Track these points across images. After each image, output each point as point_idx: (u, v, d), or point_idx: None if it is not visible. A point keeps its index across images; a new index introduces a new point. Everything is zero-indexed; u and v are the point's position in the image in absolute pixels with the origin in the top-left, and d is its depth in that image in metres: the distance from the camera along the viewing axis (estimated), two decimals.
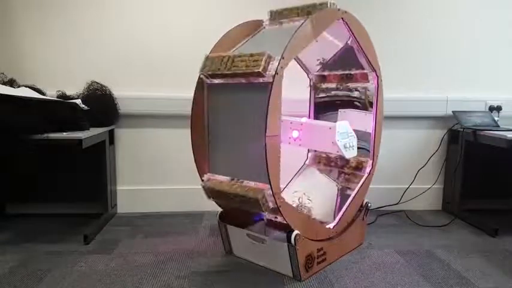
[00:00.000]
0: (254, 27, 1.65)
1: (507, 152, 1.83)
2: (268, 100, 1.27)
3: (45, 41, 2.06)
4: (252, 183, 1.40)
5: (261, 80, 1.33)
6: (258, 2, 2.06)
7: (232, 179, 1.47)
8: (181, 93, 2.04)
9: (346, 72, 1.83)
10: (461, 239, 1.88)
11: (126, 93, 2.08)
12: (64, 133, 1.70)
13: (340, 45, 1.78)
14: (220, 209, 1.64)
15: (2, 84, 1.88)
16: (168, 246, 1.75)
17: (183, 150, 1.87)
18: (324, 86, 1.96)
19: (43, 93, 1.95)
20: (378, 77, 1.73)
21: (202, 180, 1.56)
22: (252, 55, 1.34)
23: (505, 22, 2.24)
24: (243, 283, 1.45)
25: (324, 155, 1.95)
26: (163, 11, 2.09)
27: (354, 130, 1.61)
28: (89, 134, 1.75)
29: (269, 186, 1.32)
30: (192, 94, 1.53)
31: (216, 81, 1.51)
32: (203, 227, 1.99)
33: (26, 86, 1.91)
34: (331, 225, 1.61)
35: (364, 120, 1.78)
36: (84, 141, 1.67)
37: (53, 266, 1.55)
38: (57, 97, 1.94)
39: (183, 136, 1.79)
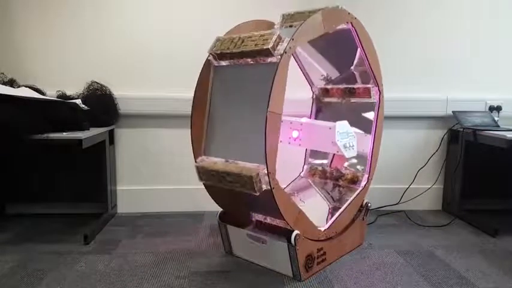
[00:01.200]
0: (266, 26, 1.63)
1: (507, 152, 1.83)
2: (274, 76, 1.26)
3: (45, 41, 2.06)
4: (247, 164, 1.37)
5: (268, 60, 1.34)
6: (260, 3, 2.06)
7: (227, 161, 1.45)
8: (181, 93, 2.04)
9: (350, 86, 1.83)
10: (461, 239, 1.88)
11: (126, 93, 2.09)
12: (64, 133, 1.70)
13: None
14: (220, 209, 1.64)
15: (2, 84, 1.88)
16: (168, 246, 1.75)
17: (183, 150, 1.87)
18: (326, 100, 1.95)
19: (43, 93, 1.95)
20: (380, 92, 1.73)
21: (197, 162, 1.53)
22: (262, 34, 1.36)
23: (505, 22, 2.24)
24: (243, 283, 1.45)
25: (320, 168, 1.94)
26: (163, 11, 2.09)
27: None
28: (89, 134, 1.75)
29: (264, 167, 1.29)
30: (192, 94, 1.53)
31: (224, 63, 1.51)
32: (203, 227, 1.99)
33: (26, 86, 1.91)
34: (321, 228, 1.57)
35: (363, 142, 1.77)
36: (84, 141, 1.67)
37: (53, 266, 1.55)
38: (57, 97, 1.94)
39: (183, 136, 1.79)
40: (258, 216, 1.61)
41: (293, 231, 1.41)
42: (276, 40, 1.32)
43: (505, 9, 2.23)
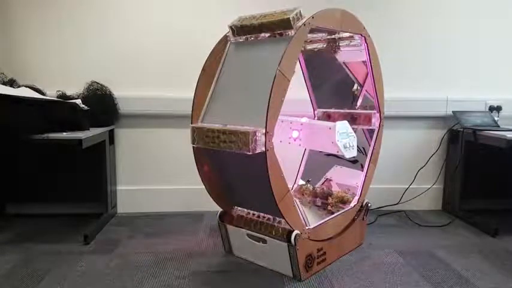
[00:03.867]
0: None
1: (507, 152, 1.83)
2: (290, 42, 1.28)
3: (45, 41, 2.06)
4: (246, 126, 1.32)
5: (287, 32, 1.36)
6: (260, 2, 2.06)
7: (225, 125, 1.40)
8: (181, 93, 2.04)
9: (352, 111, 1.85)
10: (461, 239, 1.88)
11: (126, 93, 2.09)
12: (64, 133, 1.70)
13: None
14: (220, 209, 1.64)
15: (2, 84, 1.88)
16: (168, 246, 1.75)
17: (183, 150, 1.87)
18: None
19: (43, 93, 1.95)
20: (381, 119, 1.74)
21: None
22: (283, 11, 1.40)
23: (505, 22, 2.24)
24: (243, 283, 1.45)
25: (310, 188, 1.93)
26: (163, 11, 2.09)
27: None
28: (89, 134, 1.75)
29: (263, 128, 1.25)
30: (192, 94, 1.53)
31: (241, 39, 1.52)
32: (203, 227, 1.99)
33: (26, 86, 1.91)
34: (308, 226, 1.52)
35: (356, 176, 1.80)
36: (84, 141, 1.67)
37: (53, 266, 1.55)
38: (57, 97, 1.94)
39: (183, 136, 1.79)
40: (239, 211, 1.61)
41: (293, 231, 1.41)
42: (296, 14, 1.35)
43: (505, 9, 2.23)
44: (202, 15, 2.10)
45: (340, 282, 1.46)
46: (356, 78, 1.87)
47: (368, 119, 1.78)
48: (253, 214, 1.58)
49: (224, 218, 1.64)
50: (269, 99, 1.25)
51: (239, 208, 1.63)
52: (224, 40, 1.56)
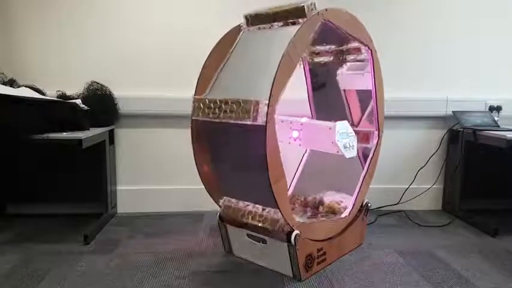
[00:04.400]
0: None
1: (507, 152, 1.83)
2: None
3: (45, 41, 2.06)
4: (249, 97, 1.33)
5: (300, 21, 1.38)
6: (257, 2, 2.06)
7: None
8: (181, 93, 2.04)
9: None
10: (461, 239, 1.88)
11: (126, 93, 2.08)
12: (64, 133, 1.70)
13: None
14: (220, 209, 1.64)
15: (2, 84, 1.88)
16: (168, 246, 1.75)
17: (183, 150, 1.87)
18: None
19: (43, 93, 1.95)
20: (379, 137, 1.74)
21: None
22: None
23: (505, 22, 2.24)
24: (243, 283, 1.45)
25: (302, 198, 1.92)
26: (163, 11, 2.09)
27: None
28: (89, 134, 1.75)
29: (267, 99, 1.25)
30: (192, 94, 1.53)
31: (253, 28, 1.53)
32: (203, 227, 1.99)
33: (26, 86, 1.91)
34: (298, 219, 1.51)
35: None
36: (84, 141, 1.67)
37: (53, 266, 1.55)
38: (57, 97, 1.94)
39: (183, 136, 1.79)
40: (227, 201, 1.59)
41: (293, 231, 1.41)
42: (311, 4, 1.37)
43: (505, 9, 2.23)
44: (203, 16, 2.10)
45: (340, 282, 1.46)
46: (350, 112, 1.89)
47: (366, 137, 1.78)
48: (242, 203, 1.53)
49: (224, 218, 1.64)
50: (275, 75, 1.25)
51: (227, 198, 1.58)
52: (237, 29, 1.57)
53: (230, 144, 1.48)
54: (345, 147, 1.59)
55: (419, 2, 2.19)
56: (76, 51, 2.08)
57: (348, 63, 1.82)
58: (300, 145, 1.78)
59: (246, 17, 1.55)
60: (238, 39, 1.57)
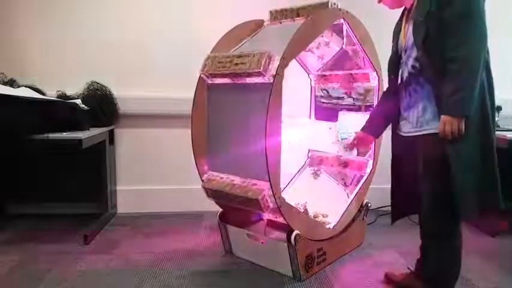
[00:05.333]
0: (255, 26, 1.65)
1: (507, 152, 1.83)
2: (269, 101, 1.27)
3: (45, 41, 2.06)
4: (251, 183, 1.40)
5: (261, 79, 1.34)
6: (258, 1, 2.06)
7: (233, 180, 1.46)
8: (181, 93, 2.03)
9: (349, 71, 1.82)
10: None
11: (126, 93, 2.08)
12: (64, 133, 1.70)
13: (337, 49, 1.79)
14: (220, 209, 1.64)
15: (2, 84, 1.88)
16: (168, 246, 1.75)
17: (183, 150, 1.87)
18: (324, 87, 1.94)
19: (43, 93, 1.95)
20: (379, 77, 1.72)
21: (203, 181, 1.55)
22: (253, 55, 1.35)
23: (505, 22, 2.24)
24: (243, 283, 1.45)
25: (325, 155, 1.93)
26: (163, 11, 2.09)
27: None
28: (89, 134, 1.75)
29: (269, 186, 1.32)
30: (192, 94, 1.53)
31: (217, 80, 1.51)
32: (203, 227, 1.99)
33: (26, 86, 1.91)
34: (331, 225, 1.59)
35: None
36: (84, 141, 1.67)
37: (53, 266, 1.55)
38: (57, 97, 1.94)
39: (183, 136, 1.79)
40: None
41: (293, 231, 1.41)
42: (266, 60, 1.31)
43: (505, 9, 2.23)
44: (203, 16, 2.10)
45: (340, 282, 1.46)
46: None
47: (366, 77, 1.76)
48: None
49: (224, 218, 1.64)
50: (267, 163, 1.29)
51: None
52: (201, 83, 1.56)
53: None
54: (345, 147, 1.59)
55: None
56: (76, 51, 2.08)
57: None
58: (300, 145, 1.78)
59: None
60: (206, 98, 1.58)
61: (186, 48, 2.09)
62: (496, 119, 2.19)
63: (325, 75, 1.93)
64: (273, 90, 1.28)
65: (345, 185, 1.79)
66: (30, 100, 1.74)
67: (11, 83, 1.95)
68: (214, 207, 1.63)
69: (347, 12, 1.53)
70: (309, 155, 1.97)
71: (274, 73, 1.29)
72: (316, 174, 1.89)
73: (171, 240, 1.83)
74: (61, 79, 2.06)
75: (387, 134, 1.88)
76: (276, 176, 1.34)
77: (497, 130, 1.98)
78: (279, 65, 1.29)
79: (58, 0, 2.04)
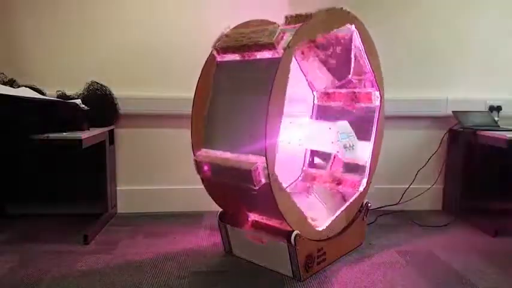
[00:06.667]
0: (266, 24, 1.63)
1: (507, 152, 1.83)
2: (275, 75, 1.28)
3: (45, 41, 2.06)
4: (246, 157, 1.36)
5: (271, 53, 1.36)
6: (259, 2, 2.06)
7: (227, 153, 1.43)
8: (181, 93, 2.04)
9: (352, 90, 1.80)
10: (461, 239, 1.88)
11: (126, 93, 2.09)
12: (64, 133, 1.70)
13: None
14: (220, 209, 1.64)
15: (2, 84, 1.88)
16: (168, 246, 1.75)
17: (183, 150, 1.87)
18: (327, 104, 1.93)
19: (43, 93, 1.95)
20: (381, 97, 1.71)
21: (195, 155, 1.52)
22: (267, 29, 1.38)
23: (505, 22, 2.24)
24: (243, 283, 1.45)
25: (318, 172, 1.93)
26: (163, 10, 2.09)
27: None
28: (89, 134, 1.75)
29: (264, 160, 1.29)
30: (192, 94, 1.53)
31: (227, 57, 1.52)
32: (203, 227, 1.99)
33: (26, 86, 1.91)
34: (319, 228, 1.54)
35: (363, 149, 1.76)
36: (84, 141, 1.67)
37: (53, 266, 1.55)
38: (57, 97, 1.94)
39: (183, 136, 1.79)
40: (255, 216, 1.61)
41: (293, 231, 1.41)
42: (279, 34, 1.34)
43: (505, 9, 2.23)
44: (203, 16, 2.10)
45: (340, 282, 1.46)
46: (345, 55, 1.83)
47: (368, 97, 1.74)
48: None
49: (224, 218, 1.64)
50: (266, 130, 1.26)
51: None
52: (211, 59, 1.56)
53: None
54: (345, 147, 1.60)
55: (420, 2, 2.19)
56: (76, 51, 2.08)
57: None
58: (299, 145, 1.78)
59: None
60: (213, 75, 1.57)
61: (186, 48, 2.09)
62: (496, 118, 2.20)
63: (328, 93, 1.93)
64: (281, 64, 1.29)
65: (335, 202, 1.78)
66: (30, 100, 1.74)
67: (11, 83, 1.95)
68: (214, 207, 1.63)
69: (358, 19, 1.54)
70: (302, 174, 1.95)
71: (286, 46, 1.31)
72: (307, 192, 1.88)
73: (171, 240, 1.83)
74: (61, 79, 2.06)
75: (387, 134, 1.89)
76: (273, 153, 1.31)
77: (497, 130, 1.99)
78: (291, 39, 1.32)
79: (58, 0, 2.04)
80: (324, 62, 1.79)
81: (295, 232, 1.41)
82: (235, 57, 1.50)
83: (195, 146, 1.55)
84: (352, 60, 1.69)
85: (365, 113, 1.75)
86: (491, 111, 2.24)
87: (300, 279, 1.46)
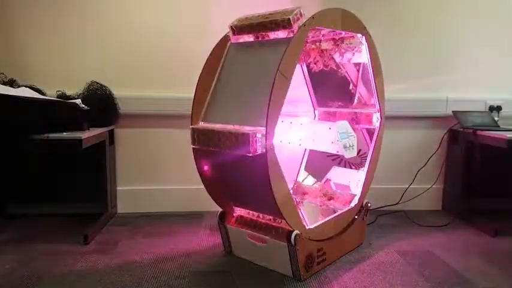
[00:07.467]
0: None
1: (507, 152, 1.83)
2: (290, 42, 1.30)
3: (45, 41, 2.06)
4: (245, 127, 1.34)
5: (286, 33, 1.39)
6: (260, 2, 2.06)
7: (226, 124, 1.42)
8: (181, 93, 2.04)
9: (353, 110, 1.82)
10: (461, 239, 1.88)
11: (126, 93, 2.09)
12: (64, 133, 1.70)
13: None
14: (220, 209, 1.64)
15: (2, 84, 1.88)
16: (168, 246, 1.75)
17: (183, 150, 1.87)
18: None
19: (43, 93, 1.95)
20: (381, 119, 1.73)
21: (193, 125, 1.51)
22: (282, 10, 1.43)
23: (505, 22, 2.24)
24: (243, 283, 1.45)
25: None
26: (163, 10, 2.09)
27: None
28: (89, 134, 1.75)
29: (263, 128, 1.26)
30: (192, 94, 1.53)
31: (241, 38, 1.53)
32: (203, 227, 1.99)
33: (26, 86, 1.91)
34: (307, 226, 1.50)
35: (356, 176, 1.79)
36: (84, 141, 1.67)
37: (53, 266, 1.55)
38: (57, 97, 1.94)
39: (183, 136, 1.79)
40: (240, 211, 1.61)
41: (293, 231, 1.41)
42: (296, 14, 1.38)
43: (505, 9, 2.23)
44: (202, 16, 2.10)
45: (340, 282, 1.46)
46: (351, 78, 1.86)
47: (369, 119, 1.77)
48: (253, 214, 1.58)
49: (224, 218, 1.64)
50: (269, 100, 1.26)
51: (238, 208, 1.62)
52: (224, 39, 1.57)
53: (233, 167, 1.45)
54: (345, 147, 1.59)
55: (420, 2, 2.19)
56: (76, 51, 2.08)
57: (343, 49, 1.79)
58: (300, 145, 1.78)
59: (232, 28, 1.55)
60: (225, 54, 1.59)
61: (186, 48, 2.09)
62: (496, 118, 2.20)
63: (330, 112, 1.93)
64: (294, 38, 1.32)
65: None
66: (30, 100, 1.74)
67: (11, 83, 1.95)
68: (215, 207, 1.63)
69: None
70: (294, 186, 1.95)
71: (301, 24, 1.34)
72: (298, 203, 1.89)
73: (171, 240, 1.83)
74: (61, 79, 2.06)
75: (387, 134, 1.89)
76: (273, 124, 1.29)
77: (497, 130, 1.99)
78: (307, 20, 1.35)
79: (58, 0, 2.04)
80: (331, 77, 1.83)
81: (295, 232, 1.41)
82: (249, 38, 1.51)
83: (194, 119, 1.53)
84: (359, 81, 1.73)
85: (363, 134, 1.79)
86: (491, 111, 2.24)
87: (300, 279, 1.46)
